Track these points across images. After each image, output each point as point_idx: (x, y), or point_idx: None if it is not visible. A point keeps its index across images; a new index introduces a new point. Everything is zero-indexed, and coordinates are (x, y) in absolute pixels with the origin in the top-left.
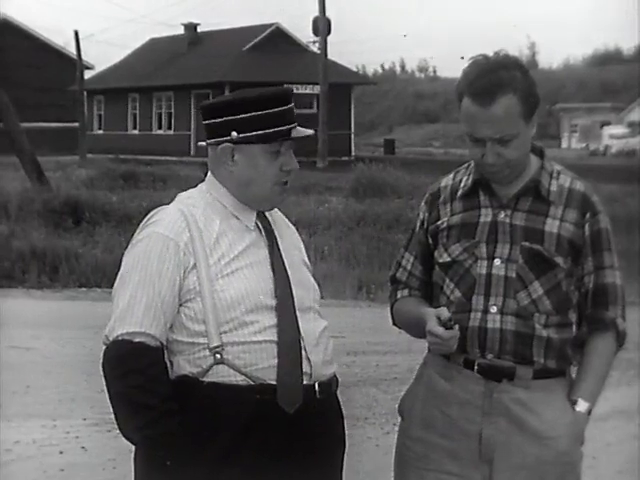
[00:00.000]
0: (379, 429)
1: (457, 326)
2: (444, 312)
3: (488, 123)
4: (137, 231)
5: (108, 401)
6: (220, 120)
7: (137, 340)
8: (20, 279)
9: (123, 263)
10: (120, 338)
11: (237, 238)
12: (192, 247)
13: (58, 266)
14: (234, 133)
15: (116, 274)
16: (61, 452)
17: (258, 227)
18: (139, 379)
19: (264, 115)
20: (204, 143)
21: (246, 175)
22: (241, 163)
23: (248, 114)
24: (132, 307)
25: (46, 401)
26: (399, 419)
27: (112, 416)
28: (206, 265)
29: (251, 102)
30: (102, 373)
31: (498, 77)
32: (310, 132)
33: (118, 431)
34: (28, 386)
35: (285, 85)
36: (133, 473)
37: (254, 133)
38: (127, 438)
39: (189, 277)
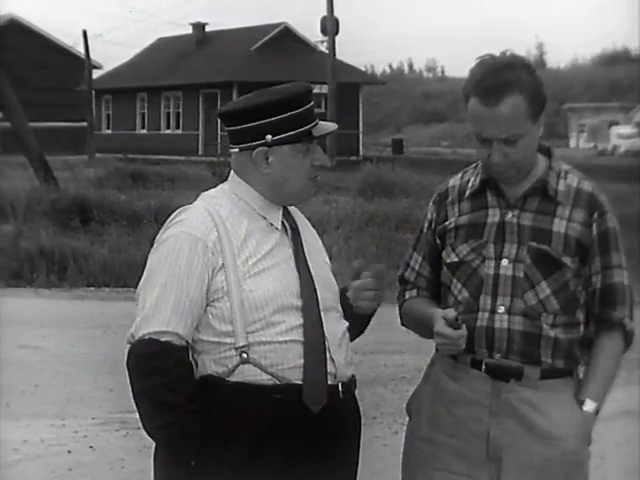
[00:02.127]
0: (387, 429)
1: (464, 326)
2: (450, 312)
3: (494, 123)
4: (162, 230)
5: (116, 401)
6: (252, 125)
7: (164, 339)
8: (28, 279)
9: (149, 262)
10: (147, 337)
11: (264, 238)
12: (220, 247)
13: (66, 266)
14: (269, 136)
15: (124, 273)
16: (69, 451)
17: (284, 226)
18: (165, 378)
19: (295, 115)
20: (236, 149)
21: (281, 176)
22: (275, 164)
23: (281, 116)
24: (160, 306)
25: (54, 400)
26: (407, 419)
27: (121, 415)
28: (234, 265)
29: (282, 104)
30: (126, 371)
31: (504, 77)
32: (334, 126)
33: (127, 431)
34: (36, 385)
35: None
36: (153, 472)
37: (289, 134)
38: (150, 436)
39: (217, 277)
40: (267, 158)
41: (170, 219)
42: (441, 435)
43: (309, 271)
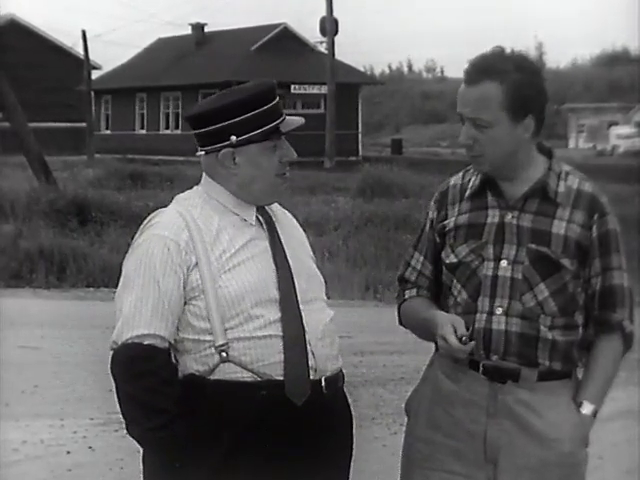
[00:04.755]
0: (386, 429)
1: (473, 343)
2: (462, 327)
3: (466, 101)
4: (137, 235)
5: (115, 401)
6: (217, 127)
7: (147, 343)
8: (28, 279)
9: (125, 268)
10: (130, 341)
11: (237, 233)
12: (192, 245)
13: (65, 266)
14: (233, 137)
15: None
16: (68, 452)
17: (259, 221)
18: (151, 381)
19: (259, 114)
20: (202, 153)
21: (249, 175)
22: (243, 164)
23: (244, 116)
24: (139, 309)
25: (53, 401)
26: (406, 419)
27: (120, 416)
28: (207, 262)
29: (244, 103)
30: (112, 377)
31: (491, 64)
32: (301, 120)
33: (126, 431)
34: (36, 386)
35: (291, 84)
36: (142, 473)
37: (253, 133)
38: (138, 440)
39: (192, 275)
40: (234, 159)
41: (144, 223)
42: (439, 435)
43: (287, 263)
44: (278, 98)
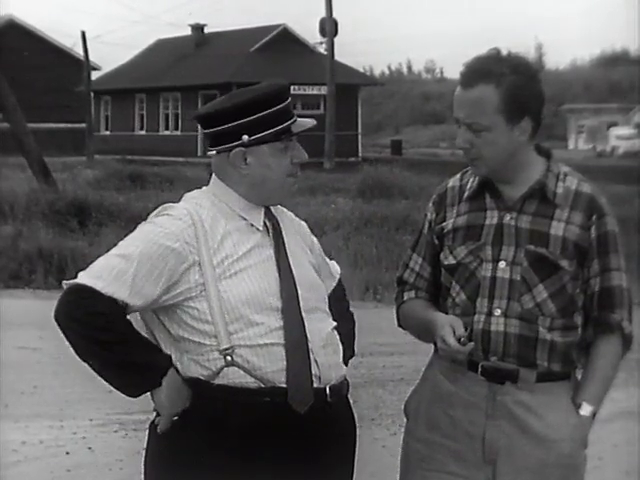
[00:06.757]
0: (385, 430)
1: (471, 344)
2: (461, 328)
3: (462, 105)
4: (147, 219)
5: (114, 402)
6: (228, 126)
7: (94, 289)
8: (27, 280)
9: (125, 238)
10: (80, 283)
11: (242, 239)
12: (196, 245)
13: (65, 267)
14: (245, 137)
15: None
16: (68, 453)
17: (266, 226)
18: (95, 321)
19: (271, 114)
20: (214, 152)
21: (260, 175)
22: (254, 165)
23: (256, 115)
24: (102, 270)
25: (53, 401)
26: (405, 420)
27: (119, 417)
28: (210, 266)
29: (257, 103)
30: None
31: (487, 67)
32: (312, 121)
33: (125, 432)
34: (35, 386)
35: (291, 85)
36: (143, 474)
37: (265, 133)
38: (110, 383)
39: (190, 274)
40: (245, 159)
41: (155, 213)
42: (438, 436)
43: (290, 271)
44: (290, 100)
